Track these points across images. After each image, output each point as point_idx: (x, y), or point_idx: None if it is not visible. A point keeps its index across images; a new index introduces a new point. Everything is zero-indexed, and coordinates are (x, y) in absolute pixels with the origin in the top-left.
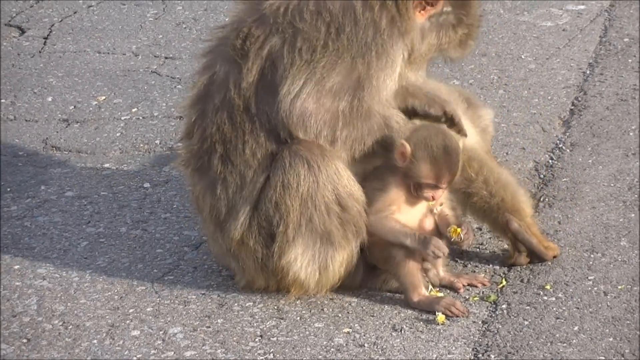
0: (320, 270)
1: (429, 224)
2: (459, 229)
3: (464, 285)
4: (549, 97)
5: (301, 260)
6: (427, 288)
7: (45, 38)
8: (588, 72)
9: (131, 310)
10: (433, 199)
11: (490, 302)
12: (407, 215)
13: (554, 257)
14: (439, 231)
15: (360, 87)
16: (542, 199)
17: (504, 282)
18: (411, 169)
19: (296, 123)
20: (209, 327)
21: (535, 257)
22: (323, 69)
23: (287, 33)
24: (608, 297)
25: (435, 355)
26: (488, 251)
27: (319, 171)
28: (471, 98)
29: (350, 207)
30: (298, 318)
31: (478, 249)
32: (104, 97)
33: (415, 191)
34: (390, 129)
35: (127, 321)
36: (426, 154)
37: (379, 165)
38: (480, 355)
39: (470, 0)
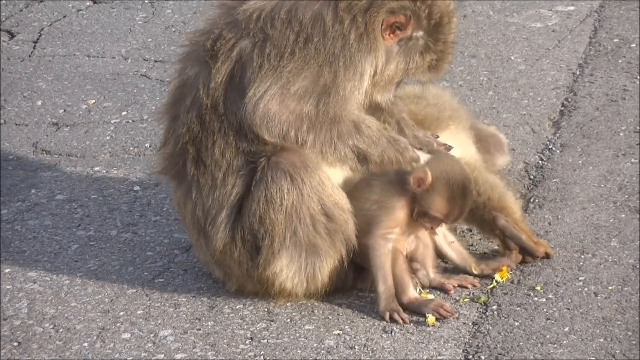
0: (307, 280)
1: (423, 239)
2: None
3: (454, 287)
4: (539, 98)
5: (287, 272)
6: (415, 289)
7: (35, 42)
8: (578, 72)
9: (122, 313)
10: (432, 229)
11: (481, 303)
12: (402, 235)
13: (546, 254)
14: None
15: (326, 93)
16: (532, 200)
17: (494, 283)
18: (425, 198)
19: (260, 124)
20: (200, 329)
21: (526, 253)
22: (289, 74)
23: (258, 38)
24: (598, 297)
25: (425, 357)
26: (478, 252)
27: (303, 184)
28: (489, 141)
29: (336, 216)
30: (288, 320)
31: (468, 250)
32: (93, 101)
33: (417, 217)
34: (361, 133)
35: (118, 324)
36: (446, 189)
37: (384, 178)
38: (470, 356)
39: (441, 27)
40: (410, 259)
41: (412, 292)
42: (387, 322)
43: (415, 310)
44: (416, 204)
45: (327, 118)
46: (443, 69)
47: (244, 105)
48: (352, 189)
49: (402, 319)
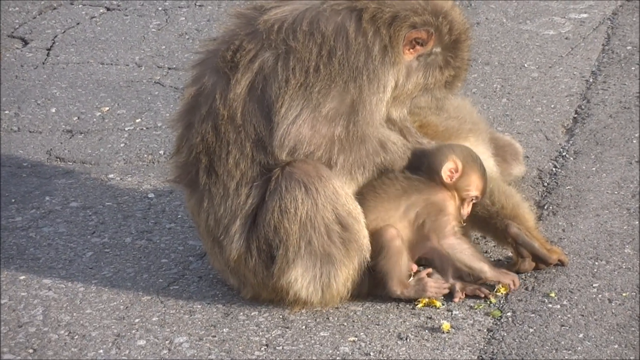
0: (323, 289)
1: (439, 250)
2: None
3: (462, 298)
4: (552, 106)
5: (301, 281)
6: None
7: (49, 49)
8: (591, 80)
9: (137, 320)
10: (468, 213)
11: (497, 317)
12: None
13: (560, 261)
14: None
15: (355, 111)
16: (546, 207)
17: (502, 290)
18: (462, 183)
19: (292, 148)
20: (215, 336)
21: (539, 260)
22: (318, 95)
23: (280, 50)
24: (612, 304)
25: None
26: (492, 259)
27: (317, 193)
28: (505, 150)
29: (350, 225)
30: (303, 327)
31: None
32: (107, 108)
33: (457, 208)
34: (387, 151)
35: (133, 331)
36: (475, 166)
37: (417, 184)
38: None
39: (460, 43)
40: (427, 265)
41: (407, 281)
42: (513, 287)
43: (409, 296)
44: (454, 195)
45: (357, 138)
46: (457, 87)
47: (274, 124)
48: (377, 202)
49: (514, 281)
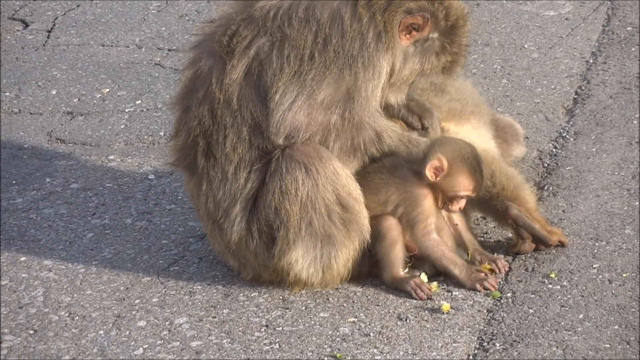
0: (323, 270)
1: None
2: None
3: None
4: (552, 86)
5: (302, 262)
6: (403, 268)
7: (49, 31)
8: (591, 61)
9: (137, 301)
10: (459, 209)
11: (497, 299)
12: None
13: (561, 242)
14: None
15: (351, 99)
16: (546, 188)
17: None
18: (447, 183)
19: (288, 135)
20: (215, 317)
21: (540, 242)
22: (312, 81)
23: (276, 37)
24: (613, 285)
25: (440, 344)
26: (492, 240)
27: (318, 174)
28: (506, 132)
29: (351, 206)
30: (303, 308)
31: (482, 238)
32: (107, 90)
33: (443, 203)
34: (382, 142)
35: (133, 312)
36: (464, 166)
37: (397, 176)
38: (485, 343)
39: (457, 29)
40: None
41: (398, 272)
42: (481, 292)
43: (397, 287)
44: (439, 192)
45: (353, 125)
46: (455, 72)
47: (269, 111)
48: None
49: (492, 285)
